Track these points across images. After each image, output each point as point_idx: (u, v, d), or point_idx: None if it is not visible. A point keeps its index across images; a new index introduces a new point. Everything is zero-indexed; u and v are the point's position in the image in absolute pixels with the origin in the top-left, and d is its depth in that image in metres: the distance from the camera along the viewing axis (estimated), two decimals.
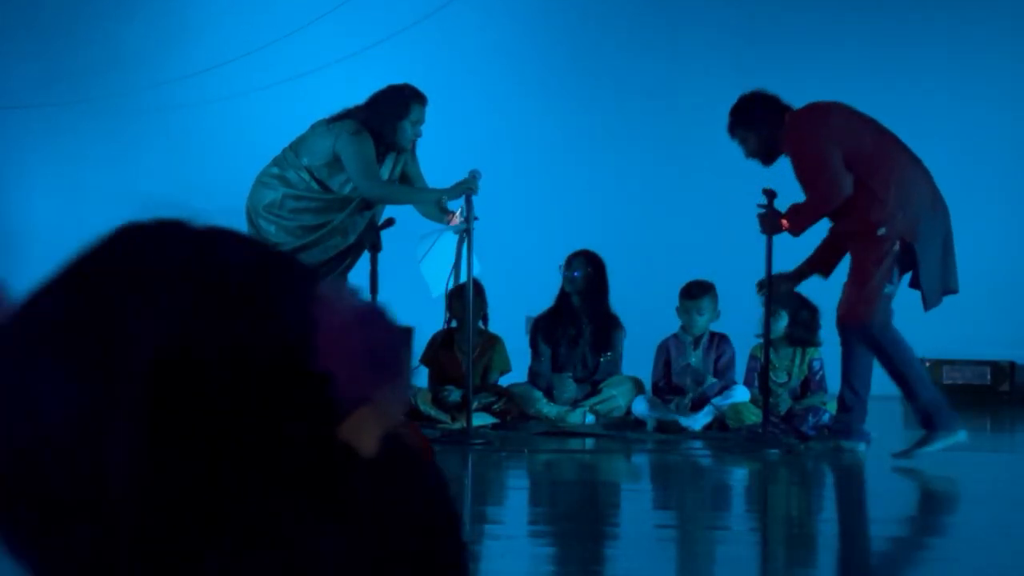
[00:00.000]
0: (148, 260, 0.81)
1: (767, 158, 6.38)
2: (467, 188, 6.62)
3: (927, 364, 9.41)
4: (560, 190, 9.77)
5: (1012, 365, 9.48)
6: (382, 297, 6.52)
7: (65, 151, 10.34)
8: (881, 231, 6.07)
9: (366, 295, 0.82)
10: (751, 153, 6.40)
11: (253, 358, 0.78)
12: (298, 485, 0.81)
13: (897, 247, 6.07)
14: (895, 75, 9.68)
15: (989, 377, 9.43)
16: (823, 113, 6.36)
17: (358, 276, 6.98)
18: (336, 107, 6.98)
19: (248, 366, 0.78)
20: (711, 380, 7.37)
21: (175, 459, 0.77)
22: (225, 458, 0.78)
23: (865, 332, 6.06)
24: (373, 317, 0.82)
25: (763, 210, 6.37)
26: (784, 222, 6.24)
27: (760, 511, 5.00)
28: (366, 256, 6.86)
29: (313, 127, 6.94)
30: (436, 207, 6.89)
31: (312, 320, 0.79)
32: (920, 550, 3.99)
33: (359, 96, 6.97)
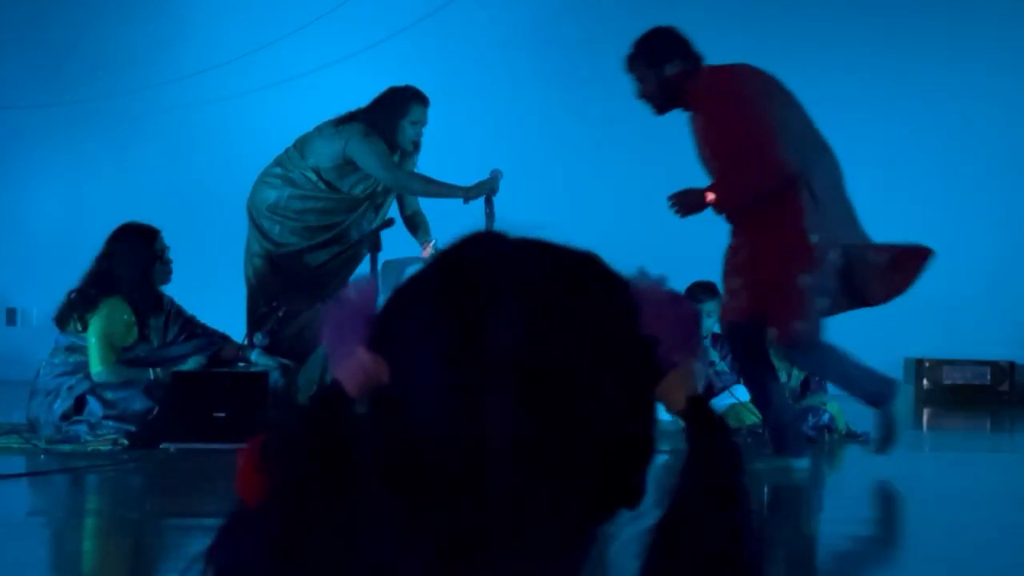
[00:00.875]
0: (497, 259, 0.98)
1: (662, 105, 5.60)
2: (488, 188, 6.62)
3: (927, 364, 9.43)
4: (560, 190, 9.77)
5: (1012, 365, 9.49)
6: (382, 297, 6.51)
7: (65, 151, 10.34)
8: (814, 238, 5.34)
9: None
10: (645, 94, 5.59)
11: (598, 331, 0.95)
12: (631, 445, 0.98)
13: (833, 256, 5.35)
14: (895, 74, 9.68)
15: (989, 377, 9.44)
16: (759, 78, 5.53)
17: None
18: (336, 107, 6.97)
19: (594, 337, 0.94)
20: (722, 365, 7.39)
21: (539, 425, 0.92)
22: (580, 420, 0.93)
23: (804, 353, 5.41)
24: (679, 297, 1.00)
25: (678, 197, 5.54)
26: (709, 195, 5.44)
27: (760, 511, 5.00)
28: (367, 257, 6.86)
29: (319, 129, 6.92)
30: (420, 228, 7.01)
31: (635, 297, 0.98)
32: (920, 550, 3.99)
33: (360, 96, 6.96)
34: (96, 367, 6.30)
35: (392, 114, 6.78)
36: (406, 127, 6.79)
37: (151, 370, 6.39)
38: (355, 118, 6.81)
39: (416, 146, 6.93)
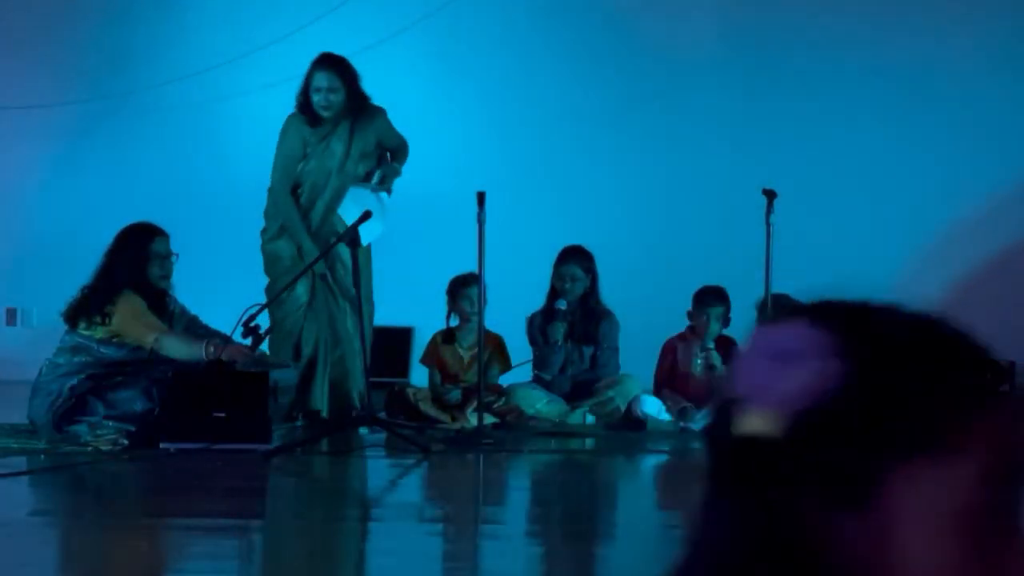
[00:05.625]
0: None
1: None
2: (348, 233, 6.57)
3: None
4: (561, 189, 9.77)
5: (1012, 365, 9.48)
6: (380, 297, 6.53)
7: (65, 151, 10.34)
8: None
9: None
10: None
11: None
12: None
13: None
14: (893, 74, 9.68)
15: None
16: None
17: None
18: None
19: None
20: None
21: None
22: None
23: None
24: None
25: None
26: None
27: None
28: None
29: None
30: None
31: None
32: None
33: None
34: (148, 339, 6.22)
35: (306, 86, 7.08)
36: (312, 95, 7.05)
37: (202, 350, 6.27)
38: None
39: (324, 111, 6.99)
